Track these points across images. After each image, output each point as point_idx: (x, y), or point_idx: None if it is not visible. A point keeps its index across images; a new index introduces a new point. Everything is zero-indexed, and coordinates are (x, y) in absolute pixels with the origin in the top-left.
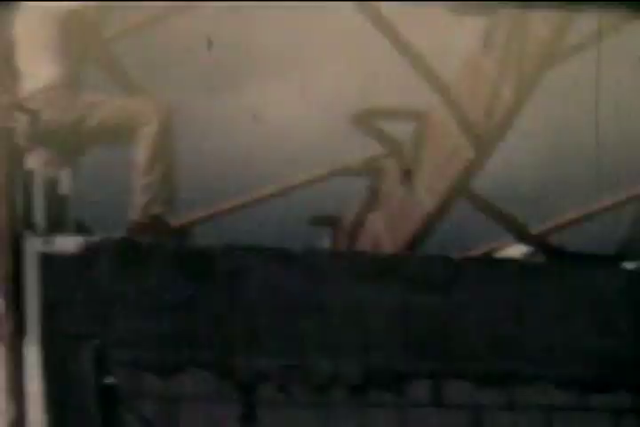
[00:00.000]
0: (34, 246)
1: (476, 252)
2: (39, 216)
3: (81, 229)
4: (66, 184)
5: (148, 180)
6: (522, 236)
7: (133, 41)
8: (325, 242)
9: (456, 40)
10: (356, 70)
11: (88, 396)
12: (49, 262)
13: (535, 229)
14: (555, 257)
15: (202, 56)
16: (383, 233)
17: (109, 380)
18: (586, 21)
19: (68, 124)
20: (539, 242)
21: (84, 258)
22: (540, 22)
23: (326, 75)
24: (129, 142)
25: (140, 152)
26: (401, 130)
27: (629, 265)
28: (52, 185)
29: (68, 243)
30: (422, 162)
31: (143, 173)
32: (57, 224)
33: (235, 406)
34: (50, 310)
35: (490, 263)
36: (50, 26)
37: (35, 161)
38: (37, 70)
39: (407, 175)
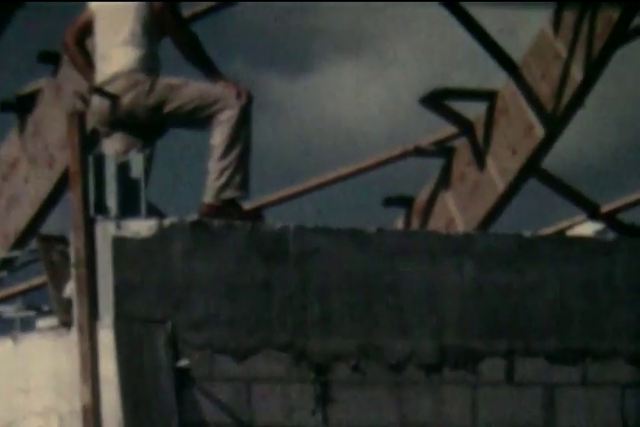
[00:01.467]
0: (106, 230)
1: (548, 230)
2: (112, 200)
3: (153, 212)
4: (138, 168)
5: (224, 164)
6: (593, 213)
7: (209, 23)
8: (399, 222)
9: (526, 21)
10: (427, 51)
11: (162, 379)
12: (122, 246)
13: (606, 206)
14: (626, 234)
15: (277, 39)
16: (456, 212)
17: (183, 363)
18: None
19: (146, 107)
20: (610, 219)
21: (157, 241)
22: (610, 3)
23: (399, 55)
24: (206, 126)
25: (217, 136)
26: (473, 110)
27: None
28: (124, 169)
29: (140, 226)
30: (494, 141)
31: (219, 156)
32: (129, 208)
33: (309, 386)
34: (123, 293)
35: (562, 241)
36: (130, 8)
37: (109, 145)
38: (117, 53)
39: (479, 155)
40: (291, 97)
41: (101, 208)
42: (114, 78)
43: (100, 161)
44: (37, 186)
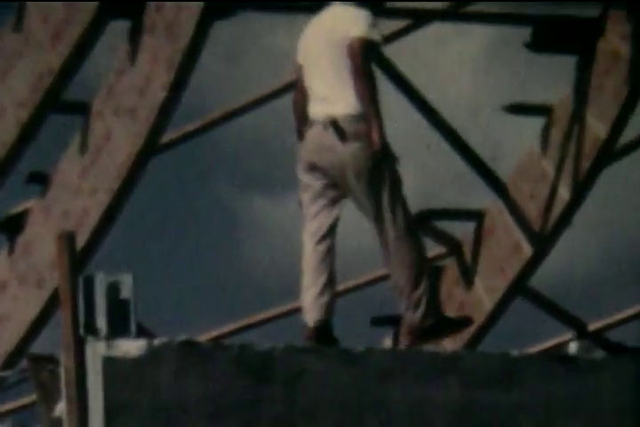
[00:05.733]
0: (97, 350)
1: (536, 348)
2: (102, 320)
3: (143, 332)
4: (128, 288)
5: (418, 294)
6: (580, 332)
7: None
8: (387, 341)
9: (513, 139)
10: (414, 171)
11: None
12: (112, 366)
13: (593, 325)
14: (613, 353)
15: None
16: None
17: None
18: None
19: (361, 168)
20: (597, 338)
21: (147, 361)
22: (597, 121)
23: None
24: None
25: None
26: (460, 229)
27: None
28: (114, 289)
29: (130, 346)
30: (482, 260)
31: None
32: (119, 328)
33: None
34: (113, 413)
35: (549, 360)
36: (335, 48)
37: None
38: (338, 95)
39: (466, 274)
40: (275, 217)
41: (91, 328)
42: (345, 119)
43: (89, 281)
44: (27, 306)
